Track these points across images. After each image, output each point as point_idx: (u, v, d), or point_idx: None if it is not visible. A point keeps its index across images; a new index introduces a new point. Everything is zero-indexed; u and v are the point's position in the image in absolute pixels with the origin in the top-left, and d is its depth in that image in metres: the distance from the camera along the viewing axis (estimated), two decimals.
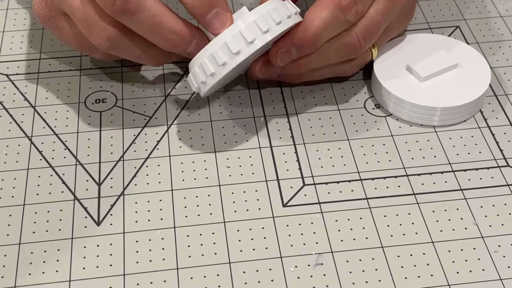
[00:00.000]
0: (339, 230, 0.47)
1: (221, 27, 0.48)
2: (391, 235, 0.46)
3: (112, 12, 0.47)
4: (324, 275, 0.44)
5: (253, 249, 0.45)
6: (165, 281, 0.44)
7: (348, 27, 0.51)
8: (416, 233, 0.46)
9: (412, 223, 0.47)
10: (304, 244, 0.46)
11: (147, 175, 0.50)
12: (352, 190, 0.49)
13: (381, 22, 0.52)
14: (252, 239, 0.46)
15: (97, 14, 0.48)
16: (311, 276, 0.44)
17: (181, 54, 0.50)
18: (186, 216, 0.47)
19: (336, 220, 0.47)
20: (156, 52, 0.50)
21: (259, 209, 0.48)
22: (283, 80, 0.55)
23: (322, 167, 0.50)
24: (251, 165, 0.50)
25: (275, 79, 0.54)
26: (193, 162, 0.51)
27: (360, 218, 0.47)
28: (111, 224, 0.47)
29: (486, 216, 0.47)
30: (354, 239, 0.46)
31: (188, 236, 0.46)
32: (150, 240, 0.46)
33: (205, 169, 0.50)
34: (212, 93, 0.54)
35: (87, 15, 0.48)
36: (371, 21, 0.51)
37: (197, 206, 0.48)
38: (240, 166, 0.50)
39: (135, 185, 0.49)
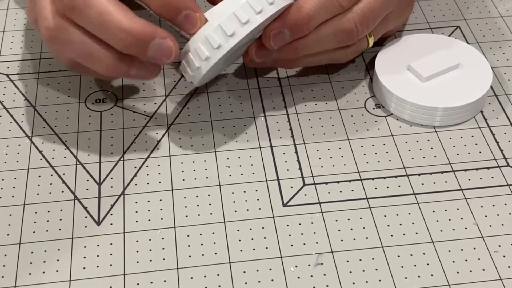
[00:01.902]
0: (339, 230, 0.47)
1: (192, 29, 0.47)
2: (391, 235, 0.46)
3: (62, 8, 0.47)
4: (324, 275, 0.44)
5: (253, 249, 0.45)
6: (165, 281, 0.44)
7: (344, 12, 0.51)
8: (416, 233, 0.46)
9: (412, 223, 0.47)
10: (304, 244, 0.46)
11: (147, 175, 0.50)
12: (352, 190, 0.49)
13: (379, 10, 0.52)
14: (252, 239, 0.46)
15: (46, 7, 0.48)
16: (311, 276, 0.44)
17: (143, 58, 0.47)
18: (186, 216, 0.47)
19: (336, 220, 0.47)
20: (106, 54, 0.47)
21: (259, 209, 0.48)
22: (278, 65, 0.55)
23: (322, 167, 0.50)
24: (251, 165, 0.50)
25: (270, 65, 0.54)
26: (193, 162, 0.51)
27: (360, 218, 0.47)
28: (111, 224, 0.47)
29: (486, 216, 0.47)
30: (354, 239, 0.46)
31: (188, 236, 0.46)
32: (150, 240, 0.46)
33: (205, 169, 0.50)
34: (206, 81, 0.54)
35: (39, 9, 0.48)
36: (369, 8, 0.51)
37: (197, 206, 0.48)
38: (240, 166, 0.50)
39: (135, 185, 0.49)
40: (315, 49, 0.52)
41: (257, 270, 0.44)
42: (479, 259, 0.45)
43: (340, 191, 0.49)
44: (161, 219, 0.47)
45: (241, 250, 0.45)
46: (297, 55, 0.52)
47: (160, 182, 0.49)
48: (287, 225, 0.47)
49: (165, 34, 0.47)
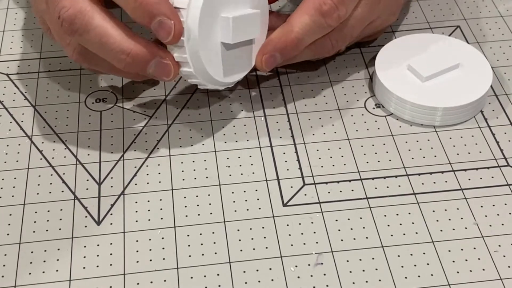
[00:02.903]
0: (339, 230, 0.47)
1: (166, 38, 0.46)
2: (391, 235, 0.46)
3: (63, 32, 0.48)
4: (324, 274, 0.44)
5: (253, 249, 0.45)
6: (165, 280, 0.44)
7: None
8: (416, 233, 0.46)
9: (412, 223, 0.47)
10: (304, 243, 0.46)
11: (147, 174, 0.50)
12: (352, 190, 0.49)
13: (356, 26, 0.53)
14: (252, 238, 0.46)
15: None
16: (311, 276, 0.44)
17: (146, 75, 0.49)
18: (186, 216, 0.47)
19: (336, 220, 0.47)
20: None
21: (259, 208, 0.48)
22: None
23: (322, 166, 0.50)
24: (251, 164, 0.50)
25: None
26: (193, 161, 0.51)
27: (360, 218, 0.47)
28: (111, 224, 0.47)
29: (486, 216, 0.47)
30: (354, 239, 0.46)
31: (188, 235, 0.46)
32: (150, 239, 0.46)
33: (205, 169, 0.50)
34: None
35: (57, 29, 0.49)
36: (348, 26, 0.52)
37: (197, 205, 0.48)
38: (240, 165, 0.50)
39: (135, 184, 0.49)
40: (292, 61, 0.53)
41: (257, 270, 0.44)
42: (479, 259, 0.45)
43: (340, 191, 0.49)
44: (161, 219, 0.47)
45: (241, 250, 0.45)
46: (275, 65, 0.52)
47: (160, 182, 0.49)
48: (287, 225, 0.47)
49: (164, 54, 0.47)
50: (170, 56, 0.48)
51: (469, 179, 0.49)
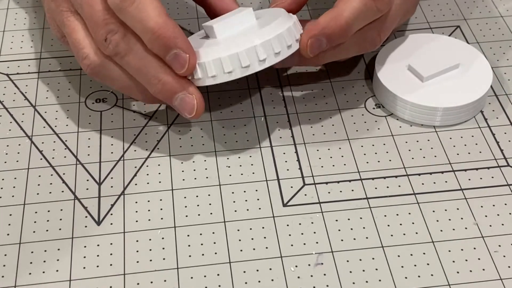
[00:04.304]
0: (339, 230, 0.47)
1: (180, 69, 0.47)
2: (391, 235, 0.46)
3: (107, 53, 0.48)
4: (324, 274, 0.44)
5: (253, 249, 0.45)
6: (165, 280, 0.44)
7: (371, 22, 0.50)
8: (416, 233, 0.46)
9: (412, 223, 0.47)
10: (304, 243, 0.46)
11: (148, 174, 0.50)
12: (352, 190, 0.49)
13: (396, 17, 0.52)
14: (252, 238, 0.46)
15: (83, 42, 0.49)
16: (311, 276, 0.44)
17: (169, 105, 0.49)
18: (186, 216, 0.47)
19: (336, 220, 0.47)
20: (145, 89, 0.49)
21: (259, 208, 0.48)
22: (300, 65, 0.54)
23: (322, 166, 0.50)
24: (251, 165, 0.50)
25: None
26: (193, 161, 0.51)
27: (360, 218, 0.47)
28: (111, 224, 0.47)
29: (486, 216, 0.47)
30: (354, 239, 0.46)
31: (188, 235, 0.46)
32: (150, 239, 0.46)
33: (205, 169, 0.50)
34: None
35: (74, 42, 0.50)
36: (390, 17, 0.51)
37: (197, 205, 0.48)
38: (240, 166, 0.50)
39: (136, 184, 0.49)
40: (338, 57, 0.52)
41: (257, 270, 0.44)
42: (479, 259, 0.45)
43: (340, 191, 0.49)
44: (161, 219, 0.47)
45: (241, 250, 0.45)
46: (318, 64, 0.51)
47: (160, 182, 0.49)
48: (287, 225, 0.47)
49: (193, 91, 0.48)
50: (198, 95, 0.48)
51: (469, 179, 0.49)
